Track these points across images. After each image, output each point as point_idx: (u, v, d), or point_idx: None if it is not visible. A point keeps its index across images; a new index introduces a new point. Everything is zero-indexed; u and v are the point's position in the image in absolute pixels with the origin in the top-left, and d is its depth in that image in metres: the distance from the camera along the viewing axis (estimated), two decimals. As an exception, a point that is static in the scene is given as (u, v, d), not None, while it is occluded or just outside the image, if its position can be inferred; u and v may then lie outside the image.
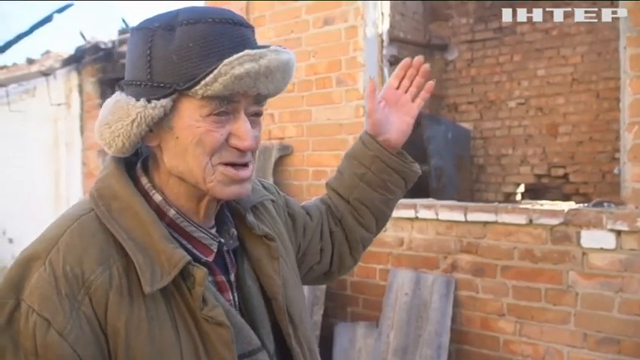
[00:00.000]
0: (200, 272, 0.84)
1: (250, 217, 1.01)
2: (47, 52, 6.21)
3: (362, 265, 3.66)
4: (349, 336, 3.52)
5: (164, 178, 0.90)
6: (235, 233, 1.00)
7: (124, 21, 6.15)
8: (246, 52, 0.81)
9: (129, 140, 0.85)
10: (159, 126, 0.86)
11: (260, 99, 0.89)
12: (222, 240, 0.96)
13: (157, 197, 0.90)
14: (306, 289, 3.62)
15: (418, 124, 5.07)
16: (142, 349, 0.80)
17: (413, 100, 1.27)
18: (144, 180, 0.91)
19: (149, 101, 0.82)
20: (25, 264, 0.80)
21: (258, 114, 0.91)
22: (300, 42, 3.87)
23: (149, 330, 0.81)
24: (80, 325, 0.77)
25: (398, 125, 1.26)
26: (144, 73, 0.83)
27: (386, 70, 3.74)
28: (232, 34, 0.83)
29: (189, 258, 0.84)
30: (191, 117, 0.84)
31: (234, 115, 0.86)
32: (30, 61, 6.23)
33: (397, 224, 3.50)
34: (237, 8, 4.24)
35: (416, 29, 6.40)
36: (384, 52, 3.73)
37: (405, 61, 1.26)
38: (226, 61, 0.79)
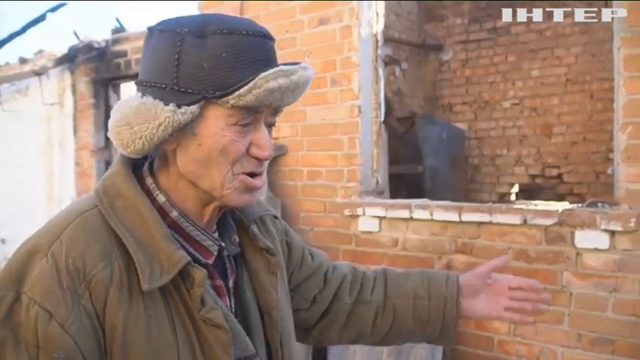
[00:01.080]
0: (200, 273, 0.85)
1: (254, 229, 1.02)
2: (40, 51, 6.16)
3: (357, 265, 3.65)
4: (344, 336, 3.51)
5: (173, 180, 0.91)
6: (237, 240, 1.00)
7: (117, 20, 6.11)
8: (281, 67, 0.83)
9: (150, 143, 0.84)
10: (180, 131, 0.85)
11: (278, 110, 0.91)
12: (223, 244, 0.96)
13: (161, 198, 0.91)
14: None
15: (413, 123, 5.09)
16: (138, 346, 0.81)
17: (507, 310, 1.23)
18: (149, 180, 0.92)
19: (179, 106, 0.82)
20: (27, 257, 0.81)
21: (273, 125, 0.92)
22: (294, 42, 3.87)
23: (147, 328, 0.82)
24: (81, 318, 0.78)
25: (487, 305, 1.22)
26: (169, 77, 0.83)
27: (380, 71, 3.74)
28: (262, 47, 0.86)
29: (189, 258, 0.85)
30: (217, 125, 0.84)
31: (255, 125, 0.88)
32: (23, 61, 6.18)
33: (392, 224, 3.49)
34: (232, 8, 4.23)
35: (411, 29, 6.41)
36: (379, 52, 3.73)
37: (538, 285, 1.25)
38: (262, 75, 0.81)
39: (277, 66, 0.84)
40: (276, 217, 1.15)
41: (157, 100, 0.83)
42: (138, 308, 0.82)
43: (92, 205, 0.87)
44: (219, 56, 0.82)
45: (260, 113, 0.87)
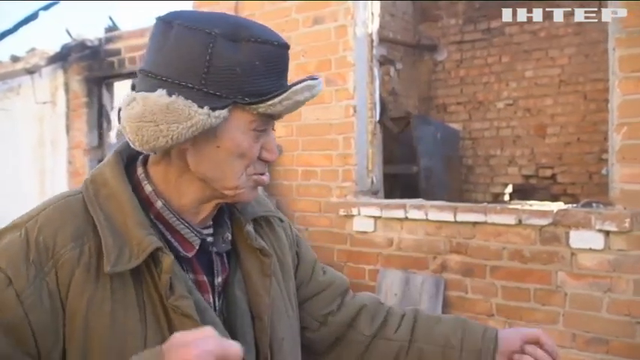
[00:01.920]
0: (167, 259, 0.83)
1: (249, 228, 0.99)
2: (32, 49, 6.12)
3: (351, 265, 3.66)
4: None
5: (173, 175, 0.90)
6: (229, 238, 0.98)
7: (111, 19, 6.08)
8: (309, 83, 0.87)
9: (174, 142, 0.83)
10: (201, 132, 0.85)
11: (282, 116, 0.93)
12: (209, 239, 0.95)
13: (148, 188, 0.91)
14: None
15: (407, 123, 5.09)
16: (101, 330, 0.81)
17: None
18: (139, 171, 0.92)
19: (213, 110, 0.81)
20: (3, 232, 0.85)
21: (274, 128, 0.95)
22: (289, 41, 3.80)
23: (112, 312, 0.81)
24: (40, 294, 0.78)
25: None
26: (197, 78, 0.81)
27: (376, 70, 3.74)
28: (286, 58, 0.89)
29: (159, 244, 0.84)
30: (238, 129, 0.86)
31: (267, 130, 0.90)
32: (15, 59, 6.14)
33: (387, 224, 3.49)
34: (227, 7, 4.21)
35: (405, 30, 6.41)
36: (374, 51, 3.72)
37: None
38: (294, 88, 0.85)
39: (304, 80, 0.87)
40: (282, 220, 1.12)
41: (190, 101, 0.81)
42: (104, 292, 0.82)
43: (77, 192, 0.89)
44: (253, 64, 0.82)
45: (275, 120, 0.90)
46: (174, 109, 0.81)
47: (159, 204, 0.90)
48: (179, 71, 0.82)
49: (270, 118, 0.88)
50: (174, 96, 0.81)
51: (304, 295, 1.13)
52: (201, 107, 0.81)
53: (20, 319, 0.77)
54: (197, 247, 0.92)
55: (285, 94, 0.84)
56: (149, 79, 0.84)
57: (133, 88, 0.88)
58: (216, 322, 0.90)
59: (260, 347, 0.96)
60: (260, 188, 1.00)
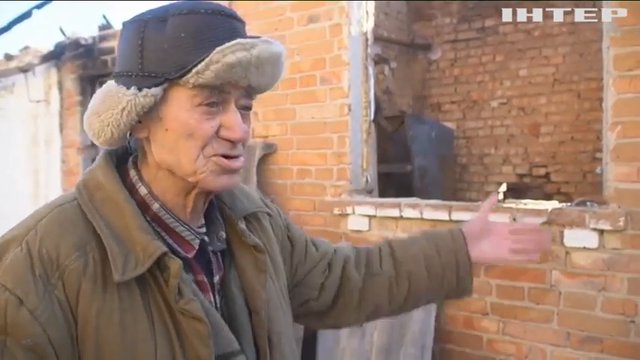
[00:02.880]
0: (175, 264, 0.83)
1: (242, 225, 1.00)
2: (26, 48, 6.08)
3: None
4: (333, 336, 3.50)
5: (152, 171, 0.90)
6: (224, 236, 0.98)
7: (104, 17, 6.05)
8: (238, 40, 0.81)
9: (118, 130, 0.84)
10: (148, 116, 0.85)
11: (250, 92, 0.89)
12: (206, 238, 0.95)
13: (143, 190, 0.90)
14: (289, 288, 3.59)
15: (401, 122, 5.09)
16: (112, 338, 0.80)
17: (511, 252, 1.25)
18: (132, 173, 0.91)
19: (140, 89, 0.81)
20: (2, 246, 0.81)
21: (248, 108, 0.90)
22: (284, 40, 3.85)
23: (121, 321, 0.81)
24: (52, 308, 0.77)
25: (493, 249, 1.25)
26: (135, 64, 0.83)
27: (370, 69, 3.73)
28: (224, 25, 0.84)
29: (164, 249, 0.83)
30: (181, 106, 0.83)
31: (224, 106, 0.86)
32: (8, 57, 6.10)
33: (382, 223, 3.49)
34: (220, 5, 4.20)
35: (400, 29, 6.41)
36: (369, 50, 3.72)
37: (537, 226, 1.30)
38: (218, 49, 0.80)
39: (251, 37, 0.83)
40: (270, 214, 1.13)
41: (120, 86, 0.83)
42: (112, 301, 0.81)
43: (72, 198, 0.87)
44: (179, 37, 0.81)
45: (227, 93, 0.85)
46: (108, 97, 0.84)
47: (155, 206, 0.89)
48: (123, 63, 0.86)
49: (218, 90, 0.83)
50: (111, 85, 0.84)
51: (303, 272, 1.19)
52: (129, 89, 0.82)
53: (40, 336, 0.76)
54: (197, 248, 0.92)
55: (207, 59, 0.79)
56: (112, 79, 0.87)
57: None
58: (221, 323, 0.91)
59: (259, 342, 0.97)
60: (254, 186, 0.99)
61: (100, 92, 0.86)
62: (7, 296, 0.76)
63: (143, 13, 0.86)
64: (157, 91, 0.82)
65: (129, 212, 0.85)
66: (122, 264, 0.81)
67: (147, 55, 0.82)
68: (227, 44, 0.80)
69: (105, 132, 0.84)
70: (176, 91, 0.83)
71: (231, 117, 0.85)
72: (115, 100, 0.82)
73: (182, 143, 0.84)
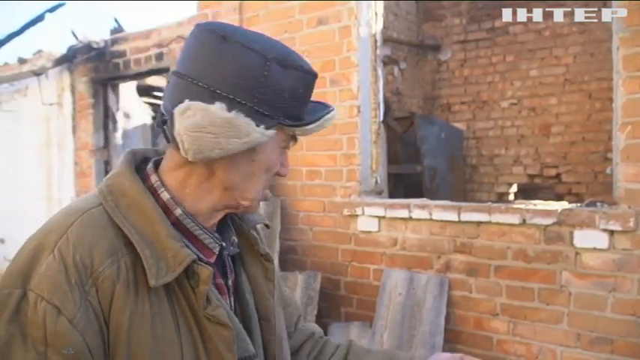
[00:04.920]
0: (206, 271, 0.85)
1: (255, 234, 1.04)
2: (39, 51, 6.15)
3: (356, 265, 3.66)
4: (343, 336, 3.51)
5: (193, 181, 0.91)
6: (236, 241, 1.02)
7: (116, 21, 6.10)
8: (333, 113, 0.95)
9: (226, 154, 0.85)
10: None
11: None
12: (224, 244, 0.98)
13: (165, 195, 0.91)
14: (299, 289, 3.61)
15: (411, 123, 5.09)
16: (144, 345, 0.81)
17: None
18: (153, 178, 0.92)
19: (267, 129, 0.86)
20: (33, 254, 0.80)
21: None
22: (294, 42, 3.87)
23: (152, 326, 0.82)
24: (88, 315, 0.78)
25: None
26: (250, 96, 0.84)
27: (379, 70, 3.74)
28: (314, 86, 0.95)
29: (194, 256, 0.85)
30: (273, 146, 0.91)
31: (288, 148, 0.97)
32: (21, 61, 6.17)
33: (391, 224, 3.50)
34: (230, 7, 4.23)
35: (409, 29, 6.41)
36: (378, 52, 3.73)
37: None
38: (327, 116, 0.93)
39: (329, 110, 0.94)
40: (268, 226, 1.15)
41: (249, 119, 0.84)
42: (143, 306, 0.83)
43: (96, 203, 0.87)
44: (297, 90, 0.89)
45: None
46: (235, 125, 0.83)
47: (178, 211, 0.91)
48: (235, 87, 0.84)
49: (294, 138, 0.94)
50: (233, 112, 0.83)
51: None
52: (258, 126, 0.85)
53: (80, 345, 0.77)
54: (217, 254, 0.95)
55: (319, 122, 0.91)
56: (200, 88, 0.84)
57: (167, 88, 0.89)
58: (240, 328, 0.94)
59: (268, 348, 1.00)
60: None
61: (218, 114, 0.83)
62: (44, 306, 0.76)
63: (260, 44, 0.86)
64: (272, 132, 0.87)
65: (157, 219, 0.86)
66: (156, 270, 0.83)
67: (267, 94, 0.85)
68: (332, 114, 0.94)
69: (213, 152, 0.84)
70: (277, 133, 0.89)
71: (287, 157, 0.97)
72: (241, 131, 0.84)
73: (259, 175, 0.92)
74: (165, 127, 0.86)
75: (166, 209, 0.90)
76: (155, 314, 0.83)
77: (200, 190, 0.91)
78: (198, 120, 0.83)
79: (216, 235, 0.96)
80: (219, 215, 0.96)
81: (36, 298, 0.76)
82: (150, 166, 0.94)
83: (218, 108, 0.83)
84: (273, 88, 0.86)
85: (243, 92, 0.84)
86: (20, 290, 0.77)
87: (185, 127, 0.83)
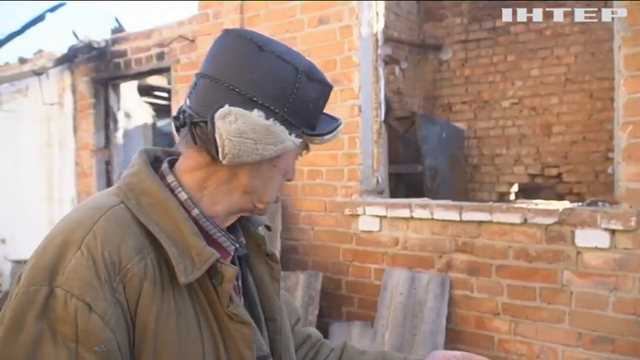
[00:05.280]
0: (230, 270, 0.87)
1: (262, 234, 1.05)
2: (40, 51, 6.16)
3: (357, 264, 3.66)
4: (344, 336, 3.51)
5: (213, 183, 0.93)
6: (244, 242, 1.03)
7: (117, 20, 6.11)
8: (342, 125, 1.00)
9: (261, 159, 0.89)
10: None
11: None
12: (239, 245, 0.99)
13: (183, 195, 0.92)
14: (300, 288, 3.61)
15: (412, 123, 5.09)
16: (169, 343, 0.82)
17: None
18: (170, 178, 0.93)
19: (297, 137, 0.91)
20: (58, 250, 0.80)
21: None
22: (295, 41, 3.87)
23: (177, 324, 0.83)
24: (117, 312, 0.79)
25: None
26: (280, 105, 0.88)
27: (380, 70, 3.74)
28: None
29: (218, 255, 0.87)
30: (292, 154, 0.96)
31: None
32: (22, 61, 6.17)
33: (392, 224, 3.50)
34: (231, 7, 4.23)
35: (410, 29, 6.41)
36: (379, 51, 3.73)
37: None
38: (340, 128, 0.98)
39: (338, 119, 1.00)
40: (270, 228, 1.17)
41: (283, 127, 0.88)
42: (169, 304, 0.83)
43: (118, 200, 0.88)
44: (318, 102, 0.94)
45: None
46: (272, 132, 0.87)
47: (195, 212, 0.92)
48: (270, 96, 0.87)
49: (308, 147, 0.98)
50: (271, 119, 0.87)
51: None
52: (291, 134, 0.89)
53: (111, 342, 0.77)
54: (232, 254, 0.96)
55: (334, 133, 0.96)
56: (237, 94, 0.86)
57: (193, 91, 0.90)
58: (256, 327, 0.95)
59: (274, 347, 1.02)
60: None
61: (257, 121, 0.86)
62: (75, 303, 0.76)
63: (291, 56, 0.91)
64: (299, 141, 0.92)
65: (180, 217, 0.87)
66: (183, 267, 0.84)
67: (296, 104, 0.90)
68: (342, 125, 0.99)
69: (251, 157, 0.87)
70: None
71: (296, 164, 1.01)
72: (276, 138, 0.88)
73: (277, 179, 0.96)
74: (194, 129, 0.87)
75: (184, 209, 0.91)
76: (179, 312, 0.85)
77: (218, 191, 0.93)
78: (240, 126, 0.85)
79: (232, 236, 0.97)
80: (234, 218, 0.98)
81: (65, 294, 0.76)
82: (165, 166, 0.95)
83: (257, 115, 0.86)
84: (301, 99, 0.90)
85: (276, 101, 0.88)
86: (47, 287, 0.77)
87: (227, 132, 0.84)
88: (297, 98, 0.89)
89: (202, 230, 0.92)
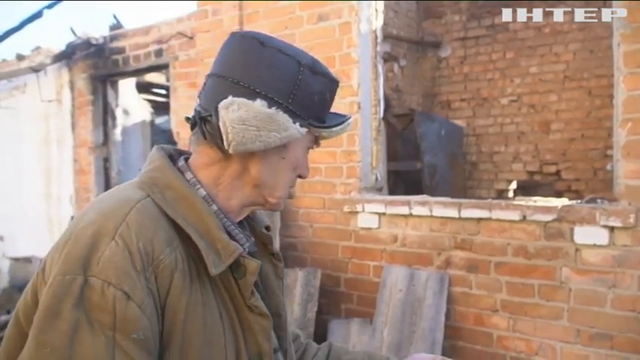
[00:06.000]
0: (253, 264, 0.91)
1: (268, 233, 1.08)
2: (37, 48, 6.13)
3: (356, 261, 3.67)
4: (343, 333, 3.52)
5: (226, 178, 0.96)
6: (253, 240, 1.06)
7: (115, 17, 6.08)
8: (351, 119, 1.04)
9: (265, 147, 0.92)
10: None
11: None
12: (253, 241, 1.03)
13: (202, 192, 0.95)
14: (299, 285, 3.62)
15: (411, 120, 5.09)
16: (197, 331, 0.85)
17: None
18: (188, 175, 0.96)
19: (301, 126, 0.94)
20: (91, 240, 0.81)
21: None
22: (294, 38, 3.86)
23: (203, 315, 0.86)
24: (151, 302, 0.81)
25: None
26: (285, 96, 0.92)
27: (380, 67, 3.74)
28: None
29: (242, 249, 0.91)
30: (301, 145, 0.99)
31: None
32: (20, 57, 6.15)
33: (391, 221, 3.50)
34: (230, 4, 4.22)
35: (409, 26, 6.40)
36: (378, 48, 3.72)
37: None
38: (349, 121, 1.02)
39: (347, 115, 1.04)
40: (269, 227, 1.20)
41: (287, 116, 0.92)
42: (196, 295, 0.86)
43: (144, 194, 0.90)
44: (324, 95, 0.97)
45: None
46: (275, 120, 0.91)
47: (214, 207, 0.95)
48: (273, 87, 0.92)
49: (317, 141, 1.02)
50: (273, 108, 0.91)
51: None
52: (294, 123, 0.93)
53: (148, 330, 0.80)
54: (247, 250, 0.98)
55: (342, 125, 1.00)
56: (241, 87, 0.91)
57: (205, 89, 0.95)
58: (272, 320, 0.98)
59: (280, 342, 1.05)
60: None
61: (259, 109, 0.90)
62: (113, 292, 0.77)
63: (293, 52, 0.95)
64: (305, 130, 0.95)
65: (205, 212, 0.90)
66: (212, 260, 0.87)
67: (299, 96, 0.93)
68: (350, 120, 1.03)
69: (255, 145, 0.90)
70: (306, 133, 0.97)
71: (308, 160, 1.03)
72: (279, 125, 0.91)
73: (287, 172, 0.99)
74: (204, 125, 0.92)
75: None
76: (205, 304, 0.87)
77: (232, 186, 0.96)
78: (242, 114, 0.89)
79: (246, 232, 1.01)
80: (247, 212, 1.01)
81: (102, 283, 0.78)
82: (183, 163, 0.98)
83: (260, 104, 0.90)
84: (305, 91, 0.94)
85: (280, 92, 0.92)
86: (82, 277, 0.78)
87: (230, 119, 0.89)
88: (300, 90, 0.93)
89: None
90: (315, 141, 1.01)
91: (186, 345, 0.84)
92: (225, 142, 0.89)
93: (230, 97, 0.89)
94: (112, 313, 0.77)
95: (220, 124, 0.89)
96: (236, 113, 0.89)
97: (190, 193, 0.91)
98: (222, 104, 0.89)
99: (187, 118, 0.97)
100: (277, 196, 0.99)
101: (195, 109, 0.95)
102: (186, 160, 0.99)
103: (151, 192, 0.90)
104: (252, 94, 0.90)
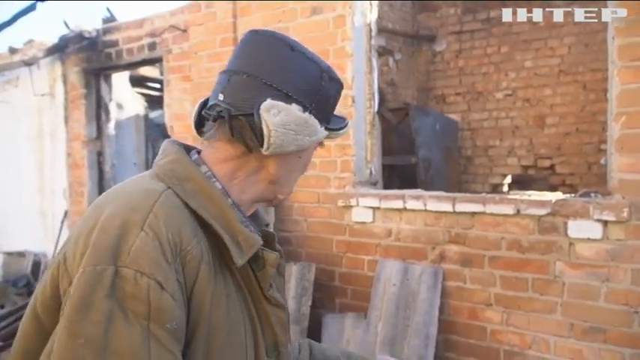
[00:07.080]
0: (272, 256, 0.95)
1: (272, 231, 1.10)
2: (30, 41, 6.08)
3: (350, 256, 3.66)
4: (337, 327, 3.52)
5: (242, 173, 0.98)
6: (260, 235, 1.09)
7: (108, 10, 6.04)
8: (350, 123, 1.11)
9: (298, 149, 0.96)
10: None
11: None
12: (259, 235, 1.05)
13: (217, 185, 0.96)
14: (293, 280, 3.61)
15: (406, 114, 5.08)
16: (221, 321, 0.87)
17: None
18: (204, 168, 0.97)
19: (327, 130, 1.00)
20: (119, 231, 0.81)
21: None
22: (287, 31, 3.84)
23: (227, 306, 0.89)
24: (181, 292, 0.82)
25: None
26: (309, 100, 0.96)
27: (374, 61, 3.72)
28: None
29: (261, 242, 0.94)
30: (313, 147, 1.02)
31: None
32: (12, 51, 6.10)
33: (385, 215, 3.49)
34: (223, -3, 4.19)
35: (404, 20, 6.39)
36: (373, 42, 3.71)
37: None
38: (349, 124, 1.08)
39: (345, 118, 1.10)
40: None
41: (317, 120, 0.97)
42: (220, 286, 0.88)
43: (164, 186, 0.90)
44: (336, 99, 1.03)
45: None
46: (309, 124, 0.95)
47: (229, 201, 0.96)
48: (301, 92, 0.96)
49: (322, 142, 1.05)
50: (307, 113, 0.95)
51: None
52: (321, 127, 0.98)
53: (180, 319, 0.81)
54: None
55: (345, 129, 1.06)
56: (274, 89, 0.93)
57: (228, 86, 0.95)
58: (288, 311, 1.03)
59: (282, 339, 1.07)
60: None
61: (296, 113, 0.93)
62: (147, 282, 0.78)
63: (316, 57, 0.99)
64: (326, 134, 1.00)
65: (225, 204, 0.92)
66: (235, 251, 0.89)
67: (320, 101, 0.98)
68: (349, 122, 1.10)
69: (289, 148, 0.94)
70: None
71: (312, 157, 1.08)
72: (312, 130, 0.96)
73: (299, 170, 1.04)
74: (231, 121, 0.92)
75: None
76: (228, 295, 0.90)
77: (247, 182, 0.98)
78: (283, 118, 0.92)
79: (256, 226, 1.03)
80: (255, 207, 1.04)
81: (135, 273, 0.78)
82: (196, 157, 0.98)
83: (296, 109, 0.94)
84: (325, 96, 0.99)
85: (307, 97, 0.96)
86: (112, 267, 0.78)
87: (273, 123, 0.91)
88: (322, 95, 0.98)
89: None
90: (321, 142, 1.04)
91: (212, 335, 0.86)
92: (265, 144, 0.91)
93: (269, 100, 0.91)
94: (146, 302, 0.77)
95: (264, 126, 0.90)
96: (277, 117, 0.91)
97: (209, 185, 0.92)
98: (263, 107, 0.90)
99: (199, 113, 0.99)
100: (286, 192, 1.03)
101: (217, 105, 0.94)
102: (198, 153, 1.00)
103: (171, 184, 0.90)
104: (287, 98, 0.93)
